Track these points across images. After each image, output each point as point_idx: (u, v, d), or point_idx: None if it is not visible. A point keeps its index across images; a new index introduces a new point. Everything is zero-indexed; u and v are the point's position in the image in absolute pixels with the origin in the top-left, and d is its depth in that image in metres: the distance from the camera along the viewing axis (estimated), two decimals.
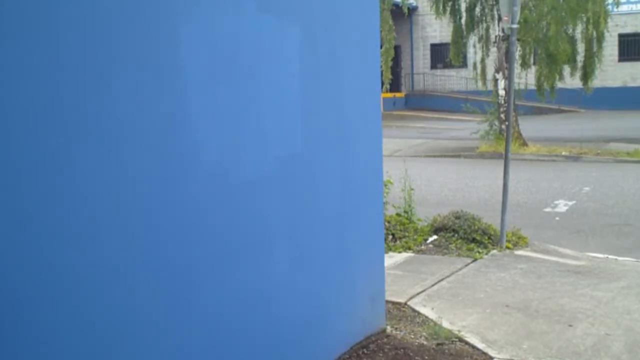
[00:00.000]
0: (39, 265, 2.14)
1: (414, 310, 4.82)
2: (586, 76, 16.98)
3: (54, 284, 2.19)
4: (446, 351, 4.12)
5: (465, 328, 4.45)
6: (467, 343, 4.21)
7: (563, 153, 15.25)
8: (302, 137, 3.45)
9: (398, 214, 7.49)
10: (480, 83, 18.27)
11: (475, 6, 17.42)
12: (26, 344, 2.12)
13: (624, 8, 23.16)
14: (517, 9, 6.69)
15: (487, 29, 17.49)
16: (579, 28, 16.45)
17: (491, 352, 4.06)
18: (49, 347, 2.19)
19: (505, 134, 7.92)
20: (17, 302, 2.09)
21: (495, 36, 16.66)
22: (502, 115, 15.86)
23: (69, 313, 2.25)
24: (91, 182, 2.30)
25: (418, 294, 5.19)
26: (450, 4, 17.70)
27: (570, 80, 17.91)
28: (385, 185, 6.64)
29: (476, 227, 6.88)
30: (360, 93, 4.03)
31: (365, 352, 4.02)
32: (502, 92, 15.82)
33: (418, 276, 5.65)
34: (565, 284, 5.48)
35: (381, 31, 15.57)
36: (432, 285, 5.41)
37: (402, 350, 4.07)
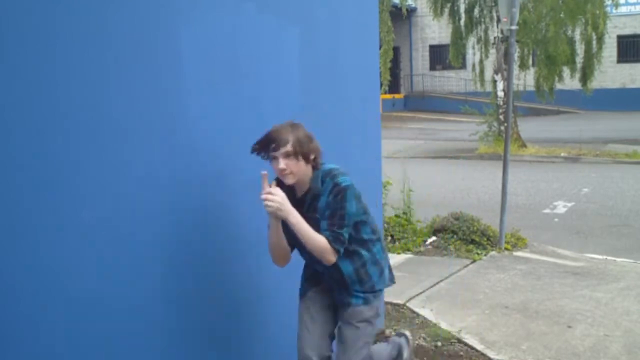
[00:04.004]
0: (39, 265, 2.14)
1: (413, 312, 4.82)
2: (585, 77, 17.01)
3: (54, 284, 2.18)
4: (445, 352, 4.12)
5: (464, 329, 4.45)
6: (466, 344, 4.21)
7: (562, 154, 15.26)
8: None
9: (397, 215, 7.49)
10: (479, 84, 18.27)
11: (474, 7, 17.42)
12: (26, 343, 2.12)
13: (622, 9, 23.19)
14: (516, 10, 6.69)
15: (486, 31, 17.49)
16: (578, 29, 16.48)
17: (490, 353, 4.06)
18: (49, 347, 2.18)
19: (504, 135, 7.92)
20: (17, 302, 2.09)
21: (494, 37, 16.67)
22: (501, 117, 15.85)
23: (69, 313, 2.24)
24: (91, 182, 2.30)
25: (417, 295, 5.19)
26: (449, 5, 17.71)
27: (569, 82, 17.95)
28: (385, 187, 6.63)
29: (475, 228, 6.88)
30: (360, 93, 4.03)
31: None
32: (501, 94, 15.82)
33: (417, 277, 5.65)
34: (564, 285, 5.49)
35: (380, 32, 15.59)
36: (431, 287, 5.42)
37: None
